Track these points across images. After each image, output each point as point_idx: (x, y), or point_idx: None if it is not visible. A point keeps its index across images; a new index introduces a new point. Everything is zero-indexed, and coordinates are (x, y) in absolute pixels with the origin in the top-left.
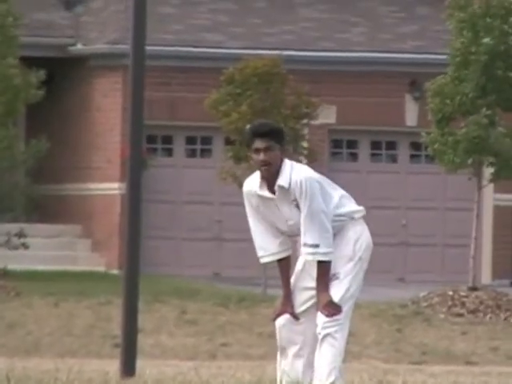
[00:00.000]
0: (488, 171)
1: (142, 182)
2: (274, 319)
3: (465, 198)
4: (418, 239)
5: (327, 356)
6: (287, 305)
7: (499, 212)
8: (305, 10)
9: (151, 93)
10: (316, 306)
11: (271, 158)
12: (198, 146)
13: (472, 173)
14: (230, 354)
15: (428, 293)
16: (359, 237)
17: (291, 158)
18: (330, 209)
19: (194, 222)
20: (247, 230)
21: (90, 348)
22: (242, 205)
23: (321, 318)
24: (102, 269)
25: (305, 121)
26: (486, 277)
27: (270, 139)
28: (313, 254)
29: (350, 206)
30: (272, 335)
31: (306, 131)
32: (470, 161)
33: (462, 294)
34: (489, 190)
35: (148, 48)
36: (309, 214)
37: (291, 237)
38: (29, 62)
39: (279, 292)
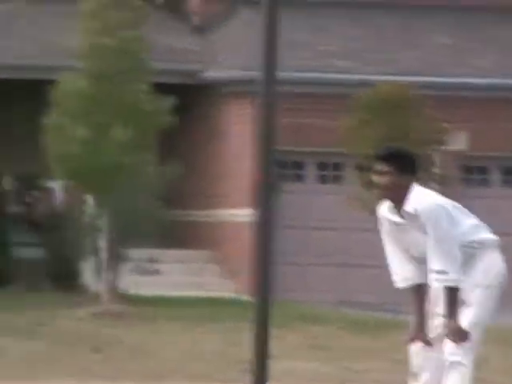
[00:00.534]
0: None
1: (273, 209)
2: (408, 344)
3: None
4: None
5: (455, 383)
6: (421, 331)
7: None
8: (435, 35)
9: (281, 119)
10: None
11: (386, 182)
12: (330, 173)
13: None
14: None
15: None
16: (491, 264)
17: (423, 182)
18: (458, 235)
19: (321, 249)
20: (375, 255)
21: (218, 373)
22: (370, 231)
23: (448, 344)
24: (231, 294)
25: (434, 147)
26: None
27: (389, 163)
28: (440, 280)
29: (484, 234)
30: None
31: (437, 158)
32: None
33: None
34: None
35: (279, 74)
36: (435, 239)
37: (422, 263)
38: (160, 89)
39: (410, 318)
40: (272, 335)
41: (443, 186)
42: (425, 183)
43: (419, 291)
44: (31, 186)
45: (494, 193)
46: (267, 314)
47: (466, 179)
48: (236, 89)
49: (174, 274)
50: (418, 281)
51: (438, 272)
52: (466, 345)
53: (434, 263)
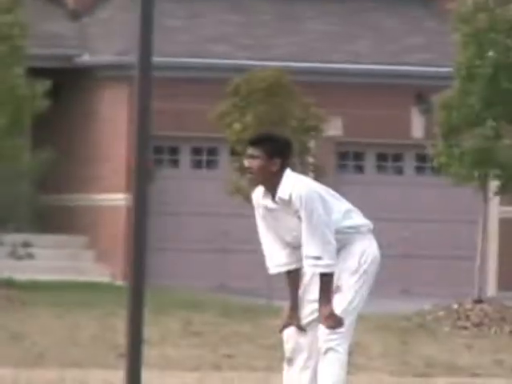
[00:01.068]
0: (494, 184)
1: (149, 194)
2: (281, 331)
3: (470, 211)
4: (423, 251)
5: (330, 369)
6: (293, 317)
7: (505, 225)
8: (311, 21)
9: (157, 103)
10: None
11: (253, 167)
12: (204, 157)
13: (478, 185)
14: (235, 365)
15: (433, 306)
16: (365, 250)
17: (297, 171)
18: (333, 221)
19: (199, 234)
20: (252, 240)
21: (94, 358)
22: (247, 216)
23: (323, 331)
24: (106, 279)
25: (311, 133)
26: (491, 289)
27: (259, 148)
28: (315, 265)
29: (357, 219)
30: (277, 347)
31: (312, 144)
32: (475, 174)
33: (467, 307)
34: (494, 202)
35: (154, 59)
36: (310, 226)
37: (296, 248)
38: (35, 73)
39: (284, 303)
40: (148, 321)
41: (318, 171)
42: (299, 169)
43: (294, 277)
44: None
45: (368, 178)
46: (142, 299)
47: (341, 165)
48: (111, 73)
49: (49, 259)
50: (292, 266)
51: (313, 258)
52: (341, 331)
53: (309, 249)
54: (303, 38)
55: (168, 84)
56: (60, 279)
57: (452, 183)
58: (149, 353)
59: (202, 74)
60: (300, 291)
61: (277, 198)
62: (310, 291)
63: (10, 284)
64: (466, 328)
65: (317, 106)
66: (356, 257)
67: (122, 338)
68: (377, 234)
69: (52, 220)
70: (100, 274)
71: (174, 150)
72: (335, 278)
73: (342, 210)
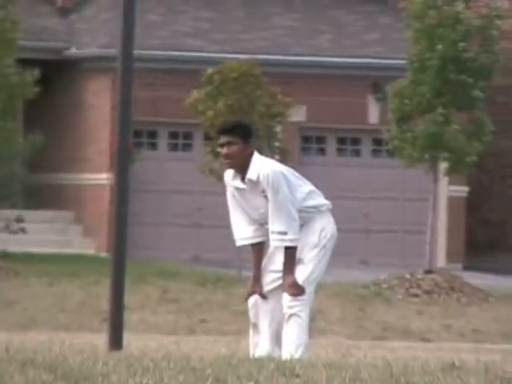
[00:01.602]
0: (443, 166)
1: (130, 173)
2: (246, 298)
3: (422, 190)
4: (379, 226)
5: (294, 333)
6: (256, 285)
7: (453, 202)
8: (278, 18)
9: (137, 92)
10: (282, 288)
11: (232, 152)
12: (180, 141)
13: (428, 167)
14: (208, 329)
15: (388, 275)
16: (325, 227)
17: (265, 154)
18: (297, 199)
19: (176, 210)
20: (224, 217)
21: (80, 323)
22: (219, 194)
23: (286, 298)
24: (91, 252)
25: (278, 119)
26: (440, 261)
27: (231, 135)
28: (281, 240)
29: (318, 199)
30: (245, 313)
31: (278, 129)
32: (426, 156)
33: (419, 276)
34: (444, 182)
35: (135, 52)
36: (276, 203)
37: (263, 225)
38: (26, 64)
39: (251, 274)
40: (128, 289)
41: (284, 154)
42: (267, 152)
43: (258, 249)
44: None
45: (329, 160)
46: (123, 269)
47: (305, 148)
48: (96, 65)
49: (39, 233)
50: (257, 240)
51: (279, 233)
52: (302, 298)
53: (275, 225)
54: (270, 32)
55: (147, 74)
56: (50, 251)
57: (405, 165)
58: (130, 318)
59: (178, 65)
60: (264, 262)
61: (246, 180)
62: (273, 262)
63: (4, 256)
64: (417, 296)
65: (282, 95)
66: (317, 233)
67: (105, 305)
68: (338, 210)
69: (42, 197)
70: (86, 247)
71: (152, 134)
72: (298, 251)
73: (305, 190)
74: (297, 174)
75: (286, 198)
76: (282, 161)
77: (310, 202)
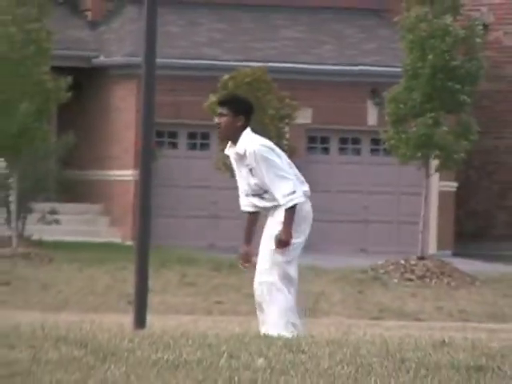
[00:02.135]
0: (434, 163)
1: (153, 170)
2: (241, 264)
3: (415, 185)
4: (377, 217)
5: (275, 309)
6: (246, 250)
7: (443, 196)
8: (286, 30)
9: (160, 96)
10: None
11: (222, 123)
12: (198, 141)
13: (421, 164)
14: (223, 310)
15: (384, 261)
16: (302, 209)
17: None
18: (287, 166)
19: (195, 203)
20: (237, 208)
21: (108, 305)
22: (233, 188)
23: (262, 266)
24: (118, 240)
25: (286, 121)
26: (432, 248)
27: (223, 107)
28: (291, 200)
29: (304, 186)
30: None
31: (286, 129)
32: (419, 154)
33: (412, 262)
34: (435, 178)
35: (157, 60)
36: (273, 174)
37: (249, 195)
38: (60, 72)
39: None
40: (151, 274)
41: (291, 152)
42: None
43: (252, 218)
44: None
45: (332, 158)
46: (146, 256)
47: (310, 147)
48: (122, 72)
49: (71, 224)
50: (252, 209)
51: (289, 194)
52: (278, 269)
53: (282, 189)
54: (278, 43)
55: (169, 81)
56: (80, 240)
57: (400, 162)
58: (152, 300)
59: (196, 72)
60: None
61: (234, 152)
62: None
63: (40, 244)
64: (411, 280)
65: (290, 99)
66: (301, 219)
67: (130, 288)
68: (340, 203)
69: (74, 192)
70: (113, 236)
71: (173, 134)
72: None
73: (293, 175)
74: (289, 160)
75: (279, 166)
76: (290, 158)
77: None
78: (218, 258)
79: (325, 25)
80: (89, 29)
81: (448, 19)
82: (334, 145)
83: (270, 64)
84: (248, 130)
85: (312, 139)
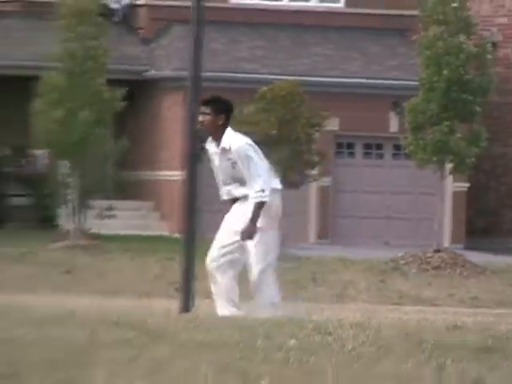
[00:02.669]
0: (448, 166)
1: (197, 171)
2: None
3: (431, 186)
4: (398, 215)
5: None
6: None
7: (456, 196)
8: (317, 47)
9: None
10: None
11: (204, 121)
12: None
13: (437, 167)
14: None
15: (404, 253)
16: (278, 206)
17: (305, 157)
18: (262, 160)
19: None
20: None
21: (157, 291)
22: None
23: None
24: (166, 233)
25: (316, 128)
26: (446, 242)
27: (206, 107)
28: (260, 196)
29: (276, 179)
30: (293, 282)
31: (317, 136)
32: (435, 159)
33: (429, 254)
34: (449, 180)
35: (202, 73)
36: (251, 169)
37: (227, 184)
38: (115, 84)
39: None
40: (197, 263)
41: (321, 156)
42: (307, 156)
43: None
44: (22, 153)
45: (358, 162)
46: (193, 247)
47: (338, 152)
48: (171, 84)
49: (126, 218)
50: (228, 197)
51: (259, 191)
52: (266, 258)
53: (255, 186)
54: (310, 59)
55: (212, 92)
56: (133, 233)
57: (418, 165)
58: (197, 287)
59: (237, 85)
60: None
61: (220, 147)
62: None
63: (97, 237)
64: (427, 270)
65: (320, 109)
66: (272, 207)
67: (178, 276)
68: (365, 202)
69: (129, 190)
70: (162, 229)
71: None
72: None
73: (266, 169)
74: (259, 151)
75: (258, 163)
76: (320, 162)
77: (272, 181)
78: None
79: (352, 43)
80: (141, 45)
81: (462, 38)
82: (359, 150)
83: (303, 78)
84: (229, 129)
85: (339, 145)
